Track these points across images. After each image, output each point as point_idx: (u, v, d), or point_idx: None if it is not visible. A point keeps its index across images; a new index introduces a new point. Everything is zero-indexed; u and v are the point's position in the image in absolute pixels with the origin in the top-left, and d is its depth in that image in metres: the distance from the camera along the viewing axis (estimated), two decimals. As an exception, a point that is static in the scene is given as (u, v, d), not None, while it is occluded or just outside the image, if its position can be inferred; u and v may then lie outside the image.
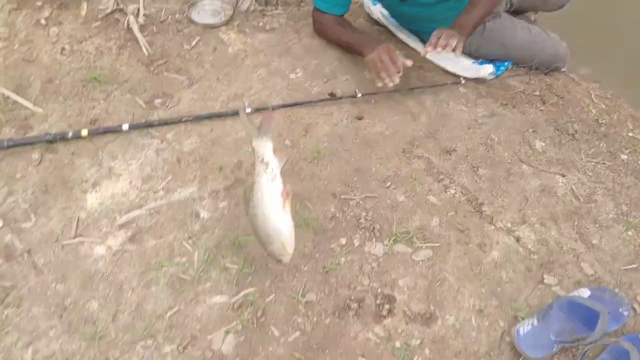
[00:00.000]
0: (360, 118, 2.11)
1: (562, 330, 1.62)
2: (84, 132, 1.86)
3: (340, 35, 2.30)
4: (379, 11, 2.59)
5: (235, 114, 2.01)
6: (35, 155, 1.86)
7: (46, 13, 2.25)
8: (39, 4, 2.28)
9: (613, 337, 1.63)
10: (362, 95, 2.11)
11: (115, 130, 1.90)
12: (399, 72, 2.04)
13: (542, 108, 2.34)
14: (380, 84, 2.05)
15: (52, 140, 1.86)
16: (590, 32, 2.91)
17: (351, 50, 2.26)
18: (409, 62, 2.05)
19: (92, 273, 1.64)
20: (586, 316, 1.62)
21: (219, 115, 2.01)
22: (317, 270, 1.70)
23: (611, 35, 3.06)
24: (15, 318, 1.55)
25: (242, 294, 1.63)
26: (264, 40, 2.38)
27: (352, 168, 1.95)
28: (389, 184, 1.92)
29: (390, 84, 2.04)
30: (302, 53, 2.34)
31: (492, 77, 2.36)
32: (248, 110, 2.01)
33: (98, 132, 1.89)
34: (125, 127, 1.89)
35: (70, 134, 1.85)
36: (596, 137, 2.26)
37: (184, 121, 1.97)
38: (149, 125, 1.94)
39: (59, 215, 1.74)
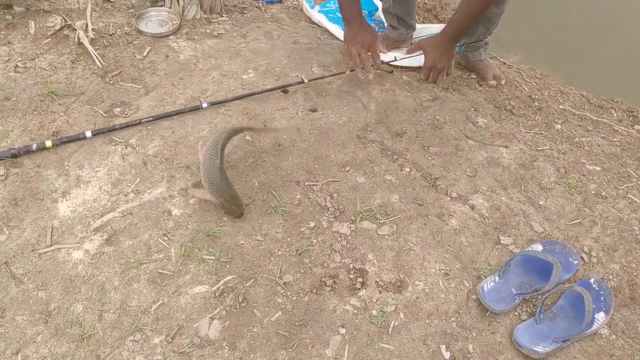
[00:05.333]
0: (314, 110, 2.22)
1: (521, 283, 1.77)
2: (48, 143, 1.89)
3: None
4: (317, 14, 2.73)
5: (193, 109, 2.09)
6: (0, 171, 1.87)
7: (-6, 33, 2.26)
8: (-15, 25, 2.29)
9: (567, 285, 1.79)
10: (308, 80, 2.24)
11: (79, 138, 1.93)
12: (374, 68, 2.23)
13: (480, 89, 2.52)
14: (348, 71, 2.26)
15: (17, 155, 1.88)
16: (516, 22, 3.13)
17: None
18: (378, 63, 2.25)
19: (73, 277, 1.67)
20: (541, 268, 1.77)
21: (178, 113, 2.07)
22: (290, 253, 1.79)
23: (536, 23, 3.30)
24: (0, 329, 1.56)
25: (222, 281, 1.70)
26: (213, 45, 2.46)
27: (311, 156, 2.05)
28: (348, 168, 2.03)
29: (363, 77, 2.24)
30: (251, 55, 2.44)
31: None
32: (205, 105, 2.08)
33: (62, 142, 1.91)
34: (88, 134, 1.93)
35: (34, 146, 1.88)
36: (531, 111, 2.44)
37: (145, 121, 2.02)
38: (112, 129, 1.98)
39: (32, 226, 1.76)
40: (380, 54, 2.54)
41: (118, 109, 2.11)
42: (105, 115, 2.08)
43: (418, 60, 2.41)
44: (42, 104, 2.08)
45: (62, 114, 2.06)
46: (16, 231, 1.75)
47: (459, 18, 2.12)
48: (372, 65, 2.20)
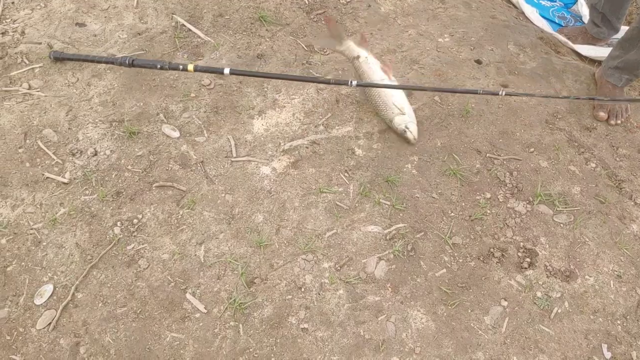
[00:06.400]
0: (505, 86, 2.18)
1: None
2: (190, 67, 1.84)
3: None
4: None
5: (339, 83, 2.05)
6: (207, 81, 2.01)
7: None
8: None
9: None
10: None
11: (217, 72, 1.85)
12: None
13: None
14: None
15: (163, 67, 1.86)
16: None
17: None
18: None
19: (258, 189, 1.78)
20: None
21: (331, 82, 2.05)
22: (463, 217, 1.79)
23: None
24: (189, 219, 1.70)
25: (394, 227, 1.74)
26: (412, 4, 2.48)
27: (497, 130, 2.03)
28: (532, 149, 2.00)
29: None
30: (448, 21, 2.43)
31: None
32: (354, 83, 1.83)
33: (200, 70, 1.86)
34: (226, 71, 1.82)
35: (180, 67, 1.84)
36: None
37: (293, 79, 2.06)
38: (252, 75, 1.93)
39: (228, 135, 1.88)
40: (577, 47, 2.47)
41: (318, 47, 2.19)
42: (306, 48, 2.17)
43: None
44: (251, 26, 2.19)
45: (268, 39, 2.16)
46: (214, 136, 1.88)
47: None
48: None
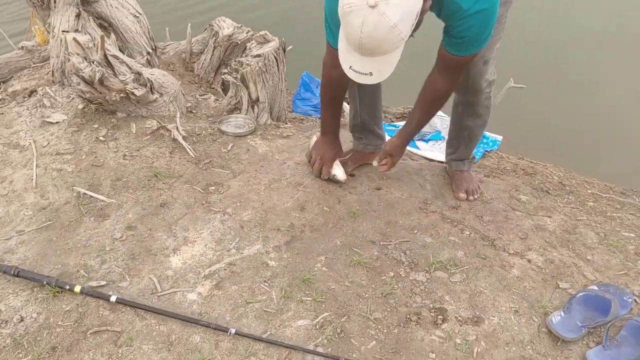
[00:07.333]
0: (379, 188, 2.55)
1: (584, 318, 1.98)
2: (77, 289, 1.91)
3: (325, 105, 2.42)
4: None
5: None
6: (118, 234, 2.16)
7: (103, 132, 2.66)
8: (96, 126, 2.70)
9: (628, 315, 1.99)
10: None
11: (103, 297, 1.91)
12: (322, 178, 2.53)
13: (517, 177, 2.87)
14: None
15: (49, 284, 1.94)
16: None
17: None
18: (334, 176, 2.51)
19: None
20: (600, 306, 1.99)
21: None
22: (376, 295, 2.02)
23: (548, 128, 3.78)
24: (130, 355, 1.76)
25: (320, 317, 1.92)
26: (284, 143, 2.86)
27: (383, 222, 2.34)
28: (415, 231, 2.32)
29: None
30: (317, 150, 2.82)
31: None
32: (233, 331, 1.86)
33: (87, 293, 1.92)
34: (113, 298, 1.89)
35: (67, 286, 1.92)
36: (564, 192, 2.77)
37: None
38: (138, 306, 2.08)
39: (150, 275, 2.02)
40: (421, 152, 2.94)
41: (212, 187, 2.45)
42: (202, 191, 2.42)
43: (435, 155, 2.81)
44: (149, 182, 2.42)
45: (166, 190, 2.39)
46: (136, 279, 2.01)
47: (415, 125, 2.31)
48: (322, 176, 2.52)
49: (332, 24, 1.96)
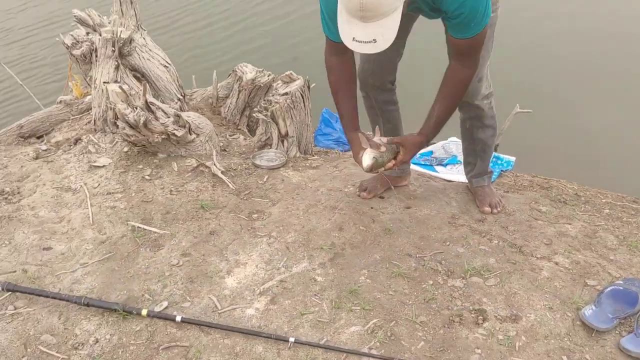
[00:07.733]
0: (408, 207, 2.73)
1: (614, 310, 2.13)
2: (144, 312, 2.08)
3: (337, 98, 2.36)
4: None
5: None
6: (175, 260, 2.34)
7: (148, 172, 2.87)
8: (140, 166, 2.91)
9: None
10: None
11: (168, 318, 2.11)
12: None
13: (534, 191, 3.05)
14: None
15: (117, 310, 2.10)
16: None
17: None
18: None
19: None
20: (627, 298, 2.15)
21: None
22: (419, 301, 2.18)
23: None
24: (201, 366, 1.92)
25: (371, 322, 2.08)
26: (315, 173, 3.06)
27: (416, 237, 2.52)
28: (448, 243, 2.49)
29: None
30: (346, 177, 3.02)
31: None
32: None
33: (153, 315, 2.29)
34: (178, 318, 2.05)
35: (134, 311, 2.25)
36: (581, 202, 2.95)
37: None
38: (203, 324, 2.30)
39: (209, 295, 2.18)
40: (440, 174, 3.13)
41: (255, 215, 2.64)
42: (246, 218, 2.60)
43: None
44: (196, 214, 2.61)
45: (214, 219, 2.58)
46: (197, 299, 2.17)
47: (435, 119, 2.26)
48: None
49: (328, 17, 2.04)
